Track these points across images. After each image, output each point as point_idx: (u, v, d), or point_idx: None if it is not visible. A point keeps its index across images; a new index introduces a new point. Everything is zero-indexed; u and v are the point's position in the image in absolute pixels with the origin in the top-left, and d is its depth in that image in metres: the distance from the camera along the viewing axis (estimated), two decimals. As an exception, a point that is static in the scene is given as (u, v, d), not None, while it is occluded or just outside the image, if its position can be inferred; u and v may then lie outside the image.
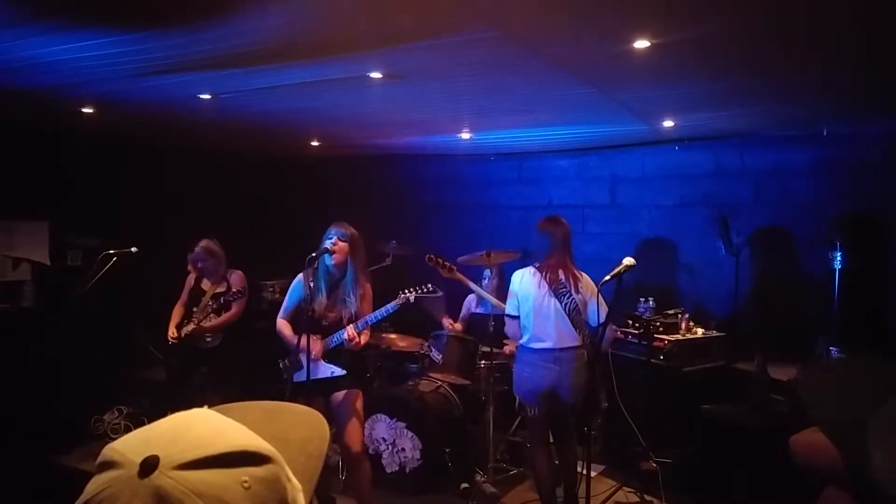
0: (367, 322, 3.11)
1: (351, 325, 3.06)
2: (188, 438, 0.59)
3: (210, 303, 4.11)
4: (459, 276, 4.01)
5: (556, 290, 3.31)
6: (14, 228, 4.89)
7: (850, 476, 1.72)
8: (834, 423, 1.53)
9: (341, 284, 3.21)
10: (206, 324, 4.07)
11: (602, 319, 3.25)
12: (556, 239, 3.39)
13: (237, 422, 0.64)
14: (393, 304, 3.13)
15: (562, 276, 3.33)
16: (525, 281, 3.38)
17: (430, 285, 3.08)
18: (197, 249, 4.17)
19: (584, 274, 3.42)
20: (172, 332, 4.15)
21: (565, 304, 3.30)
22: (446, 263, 3.97)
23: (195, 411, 0.65)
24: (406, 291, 3.15)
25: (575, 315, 3.31)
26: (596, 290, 3.29)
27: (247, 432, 0.63)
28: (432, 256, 3.93)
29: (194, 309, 4.18)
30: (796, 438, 2.20)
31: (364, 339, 3.18)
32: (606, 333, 3.32)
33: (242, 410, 0.71)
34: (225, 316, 4.16)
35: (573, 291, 3.32)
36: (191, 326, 4.08)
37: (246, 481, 0.58)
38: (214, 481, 0.56)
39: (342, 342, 3.12)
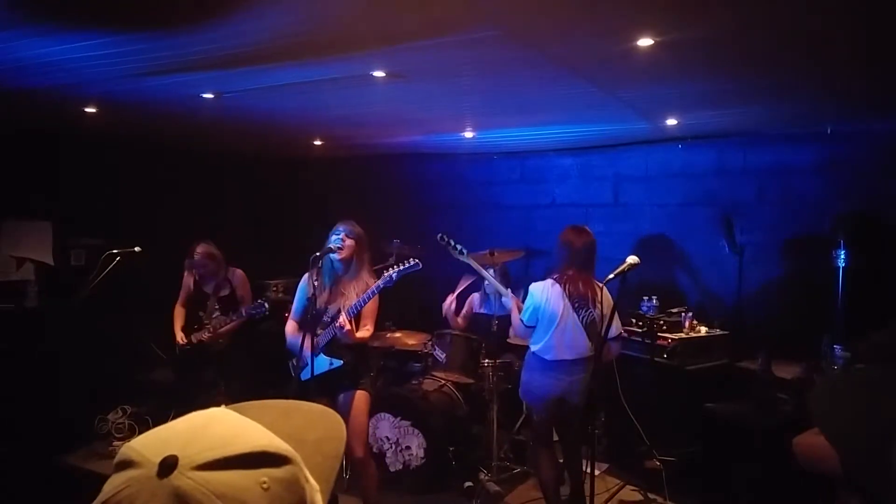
0: (356, 306, 3.07)
1: (343, 313, 3.04)
2: (206, 438, 0.59)
3: (217, 307, 4.14)
4: (469, 260, 3.95)
5: (576, 304, 3.26)
6: (18, 228, 4.89)
7: (849, 481, 1.72)
8: (839, 431, 1.53)
9: (343, 279, 3.20)
10: (221, 329, 4.09)
11: (614, 335, 3.24)
12: (577, 250, 3.31)
13: (254, 421, 0.64)
14: (376, 285, 3.08)
15: (582, 288, 3.27)
16: (548, 294, 3.28)
17: (410, 259, 3.03)
18: (197, 257, 4.15)
19: (603, 287, 3.31)
20: (181, 337, 4.16)
21: (583, 318, 3.26)
22: (457, 246, 3.93)
23: (213, 410, 0.64)
24: (388, 270, 3.10)
25: (591, 328, 3.27)
26: (612, 304, 3.22)
27: (265, 432, 0.63)
28: (444, 236, 3.88)
29: (201, 314, 4.20)
30: (799, 440, 2.20)
31: (360, 331, 3.12)
32: (614, 346, 3.32)
33: (258, 410, 0.71)
34: (238, 321, 4.16)
35: (591, 305, 3.27)
36: (205, 334, 4.10)
37: (265, 482, 0.57)
38: (234, 482, 0.56)
39: (335, 333, 3.10)
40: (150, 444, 0.59)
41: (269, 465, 0.59)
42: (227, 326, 4.11)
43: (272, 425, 0.64)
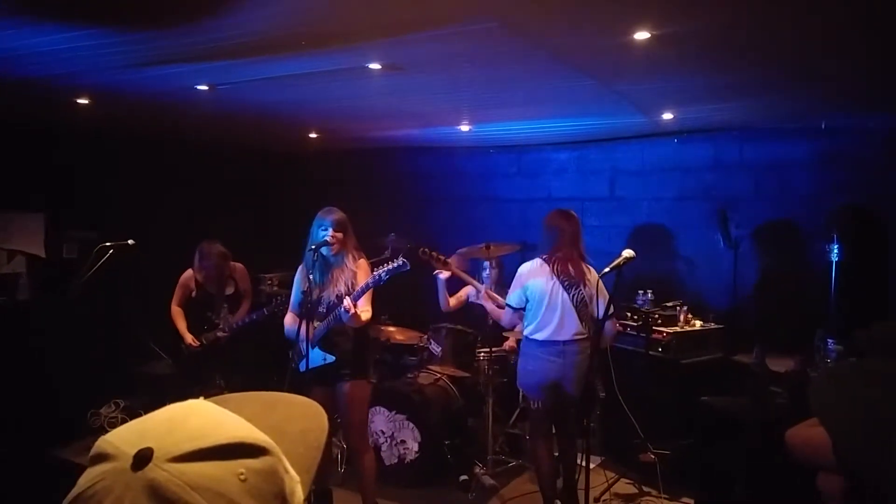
0: (358, 293, 3.08)
1: (347, 298, 3.03)
2: (183, 430, 0.57)
3: (225, 305, 4.21)
4: (455, 270, 3.99)
5: (565, 283, 3.31)
6: (9, 220, 4.86)
7: (843, 473, 1.72)
8: (838, 424, 1.53)
9: (333, 267, 3.20)
10: (236, 328, 4.18)
11: (602, 314, 3.25)
12: (566, 233, 3.36)
13: (234, 413, 0.63)
14: (365, 283, 3.08)
15: (571, 269, 3.32)
16: (534, 273, 3.35)
17: (399, 259, 3.03)
18: (212, 259, 4.14)
19: (591, 268, 3.40)
20: (192, 338, 4.17)
21: (573, 297, 3.30)
22: (440, 257, 3.95)
23: (191, 402, 0.63)
24: (377, 268, 3.08)
25: (581, 308, 3.32)
26: (602, 286, 3.31)
27: (244, 424, 0.62)
28: (426, 250, 3.89)
29: (209, 313, 4.21)
30: (792, 433, 2.20)
31: (363, 314, 3.11)
32: (608, 327, 3.32)
33: (239, 401, 0.70)
34: (244, 313, 4.28)
35: (581, 285, 3.32)
36: (221, 334, 4.15)
37: (242, 473, 0.56)
38: (210, 474, 0.55)
39: (333, 325, 3.10)
40: (126, 436, 0.58)
41: (246, 457, 0.58)
42: (242, 324, 4.19)
43: (253, 417, 0.63)
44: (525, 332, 3.42)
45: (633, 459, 3.98)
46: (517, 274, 3.44)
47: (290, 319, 3.35)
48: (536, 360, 3.34)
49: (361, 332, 3.25)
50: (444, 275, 4.26)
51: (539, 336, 3.33)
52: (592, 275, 3.38)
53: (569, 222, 3.40)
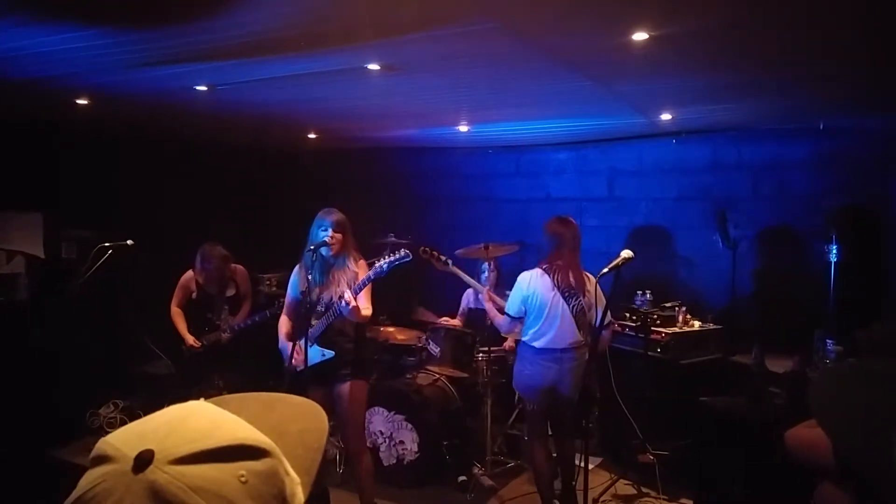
0: (359, 286, 3.08)
1: (348, 291, 3.02)
2: (184, 432, 0.58)
3: (225, 307, 4.23)
4: (454, 269, 4.00)
5: (566, 294, 3.30)
6: (8, 220, 4.85)
7: (842, 473, 1.72)
8: (837, 424, 1.52)
9: (333, 268, 3.20)
10: (238, 330, 4.20)
11: (600, 322, 3.25)
12: (566, 240, 3.36)
13: (234, 414, 0.63)
14: (367, 276, 3.07)
15: (572, 278, 3.32)
16: (534, 283, 3.34)
17: (401, 251, 3.02)
18: (214, 261, 4.16)
19: (590, 276, 3.39)
20: (193, 340, 4.18)
21: (573, 307, 3.30)
22: (441, 257, 3.96)
23: (191, 404, 0.63)
24: (379, 260, 3.08)
25: (580, 317, 3.32)
26: (601, 293, 3.32)
27: (244, 425, 0.62)
28: (427, 249, 3.91)
29: (209, 315, 4.21)
30: (791, 433, 2.20)
31: (364, 310, 3.11)
32: (605, 334, 3.33)
33: (239, 402, 0.70)
34: (245, 315, 4.30)
35: (581, 294, 3.32)
36: (223, 335, 4.17)
37: (243, 475, 0.56)
38: (211, 476, 0.55)
39: (332, 321, 3.10)
40: (127, 438, 0.58)
41: (247, 458, 0.58)
42: (245, 326, 4.21)
43: (253, 418, 0.63)
44: (524, 338, 3.41)
45: (631, 460, 3.98)
46: (517, 283, 3.42)
47: (284, 325, 3.33)
48: (533, 364, 3.34)
49: (360, 332, 3.25)
50: (452, 323, 4.50)
51: (537, 344, 3.32)
52: (591, 282, 3.37)
53: (568, 228, 3.40)
